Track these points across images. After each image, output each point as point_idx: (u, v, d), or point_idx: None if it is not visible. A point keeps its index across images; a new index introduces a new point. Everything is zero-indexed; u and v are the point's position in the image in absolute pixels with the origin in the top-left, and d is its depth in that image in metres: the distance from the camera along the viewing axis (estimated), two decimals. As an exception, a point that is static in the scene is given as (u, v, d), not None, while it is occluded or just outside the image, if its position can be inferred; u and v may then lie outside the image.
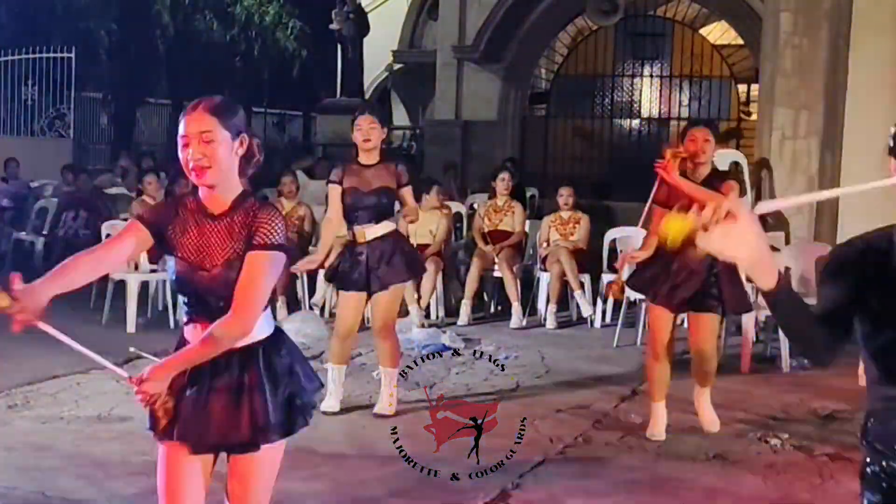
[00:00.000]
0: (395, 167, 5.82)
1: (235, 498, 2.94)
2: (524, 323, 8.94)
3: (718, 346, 6.08)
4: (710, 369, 5.63)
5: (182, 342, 2.94)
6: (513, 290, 9.04)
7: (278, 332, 2.94)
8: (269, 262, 2.78)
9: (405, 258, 5.86)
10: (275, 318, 9.59)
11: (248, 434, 2.81)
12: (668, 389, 5.58)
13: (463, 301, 9.10)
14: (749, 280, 5.11)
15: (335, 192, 5.82)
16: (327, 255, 6.07)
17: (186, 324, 2.94)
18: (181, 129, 2.83)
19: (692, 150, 5.40)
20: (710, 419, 5.71)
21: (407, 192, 5.87)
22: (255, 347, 2.86)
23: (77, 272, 2.81)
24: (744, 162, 10.57)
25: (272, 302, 8.77)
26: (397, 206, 5.92)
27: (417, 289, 8.75)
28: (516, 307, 8.97)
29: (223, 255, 2.82)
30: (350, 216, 5.82)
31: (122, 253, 2.93)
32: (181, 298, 3.01)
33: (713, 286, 5.37)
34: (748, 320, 7.44)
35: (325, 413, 5.91)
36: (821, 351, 2.29)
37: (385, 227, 5.81)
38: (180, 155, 2.84)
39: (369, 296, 5.91)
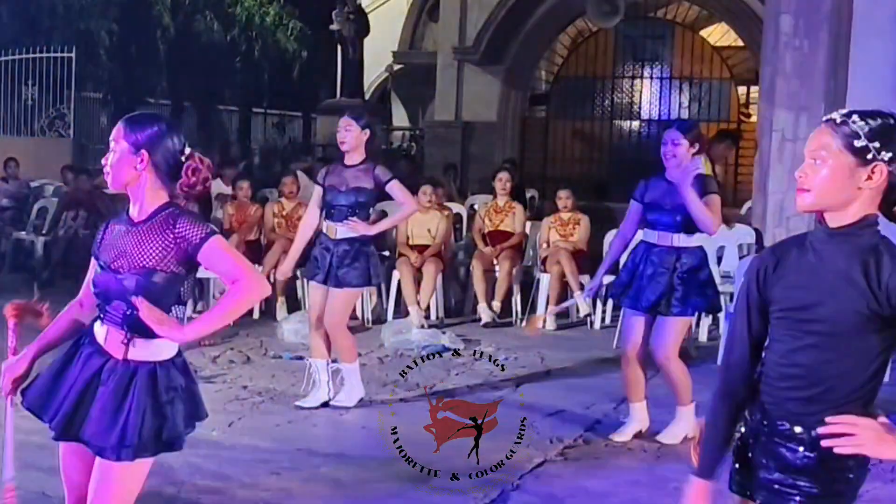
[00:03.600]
0: (373, 169, 5.92)
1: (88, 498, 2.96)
2: (494, 319, 8.91)
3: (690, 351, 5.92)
4: (672, 379, 5.40)
5: (86, 333, 2.97)
6: (503, 288, 9.07)
7: (176, 362, 2.94)
8: (219, 245, 2.86)
9: (367, 265, 5.93)
10: (275, 317, 9.48)
11: (115, 443, 2.83)
12: (645, 389, 5.56)
13: (480, 306, 9.02)
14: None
15: (317, 193, 6.03)
16: (303, 255, 6.19)
17: (98, 319, 2.95)
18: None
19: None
20: (671, 431, 5.44)
21: (394, 188, 5.96)
22: (147, 364, 2.87)
23: (66, 332, 3.05)
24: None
25: (270, 302, 8.75)
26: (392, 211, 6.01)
27: (418, 290, 8.75)
28: (495, 305, 8.99)
29: (137, 261, 2.84)
30: (326, 213, 6.00)
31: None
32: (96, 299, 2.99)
33: (677, 289, 5.28)
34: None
35: (301, 408, 5.96)
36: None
37: (357, 230, 5.90)
38: None
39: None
